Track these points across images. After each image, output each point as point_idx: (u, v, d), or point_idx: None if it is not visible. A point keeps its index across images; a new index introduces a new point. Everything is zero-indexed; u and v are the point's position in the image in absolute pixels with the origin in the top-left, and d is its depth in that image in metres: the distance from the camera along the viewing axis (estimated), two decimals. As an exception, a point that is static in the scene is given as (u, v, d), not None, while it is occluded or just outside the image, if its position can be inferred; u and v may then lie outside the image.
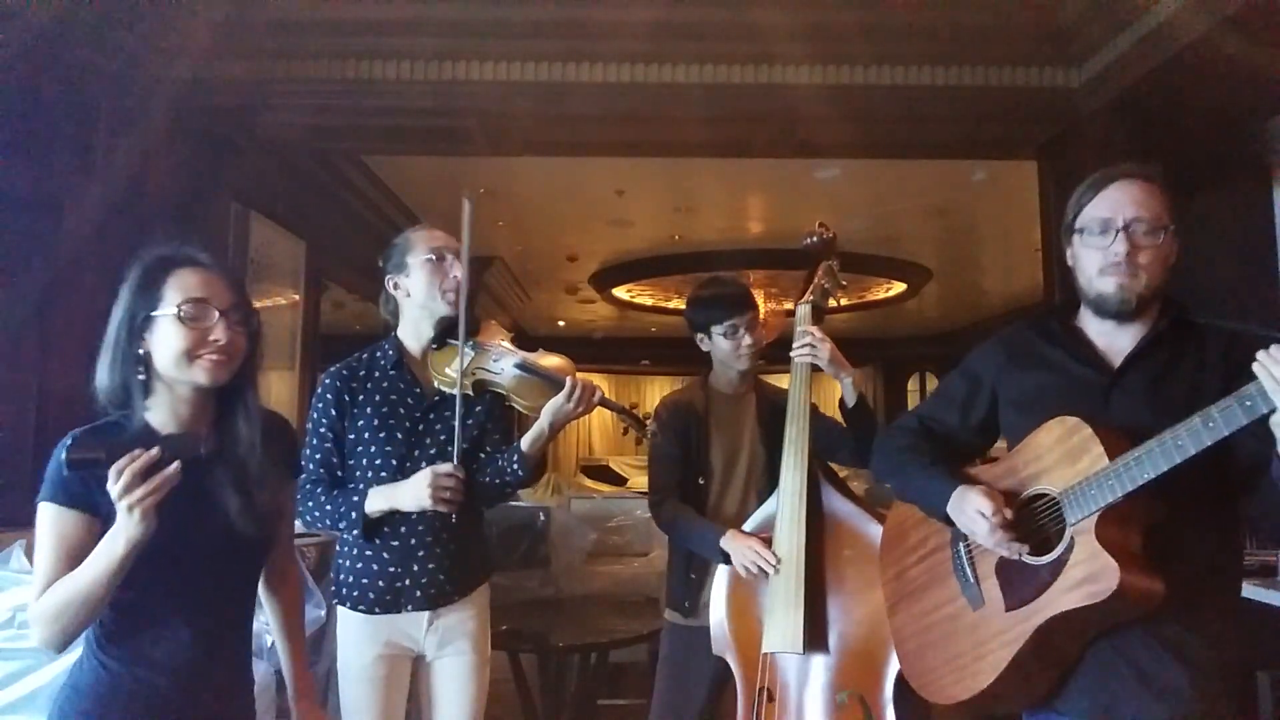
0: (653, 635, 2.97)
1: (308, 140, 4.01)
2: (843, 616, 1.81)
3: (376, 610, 1.85)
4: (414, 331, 1.98)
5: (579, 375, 1.87)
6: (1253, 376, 1.11)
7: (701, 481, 2.16)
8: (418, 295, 1.93)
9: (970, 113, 3.62)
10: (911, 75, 3.50)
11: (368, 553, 1.86)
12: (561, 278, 8.24)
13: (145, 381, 1.31)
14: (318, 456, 1.89)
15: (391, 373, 1.93)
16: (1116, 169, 1.42)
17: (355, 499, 1.82)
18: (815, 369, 2.03)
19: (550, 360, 1.91)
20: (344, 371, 1.93)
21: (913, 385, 12.16)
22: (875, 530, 1.80)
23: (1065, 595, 1.26)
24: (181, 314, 1.29)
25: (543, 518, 4.45)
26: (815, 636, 1.81)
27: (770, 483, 2.03)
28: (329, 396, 1.90)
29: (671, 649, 2.18)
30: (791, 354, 2.03)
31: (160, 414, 1.33)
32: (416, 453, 1.88)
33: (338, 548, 1.94)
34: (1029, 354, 1.49)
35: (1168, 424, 1.17)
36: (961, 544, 1.46)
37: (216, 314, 1.31)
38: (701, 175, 5.20)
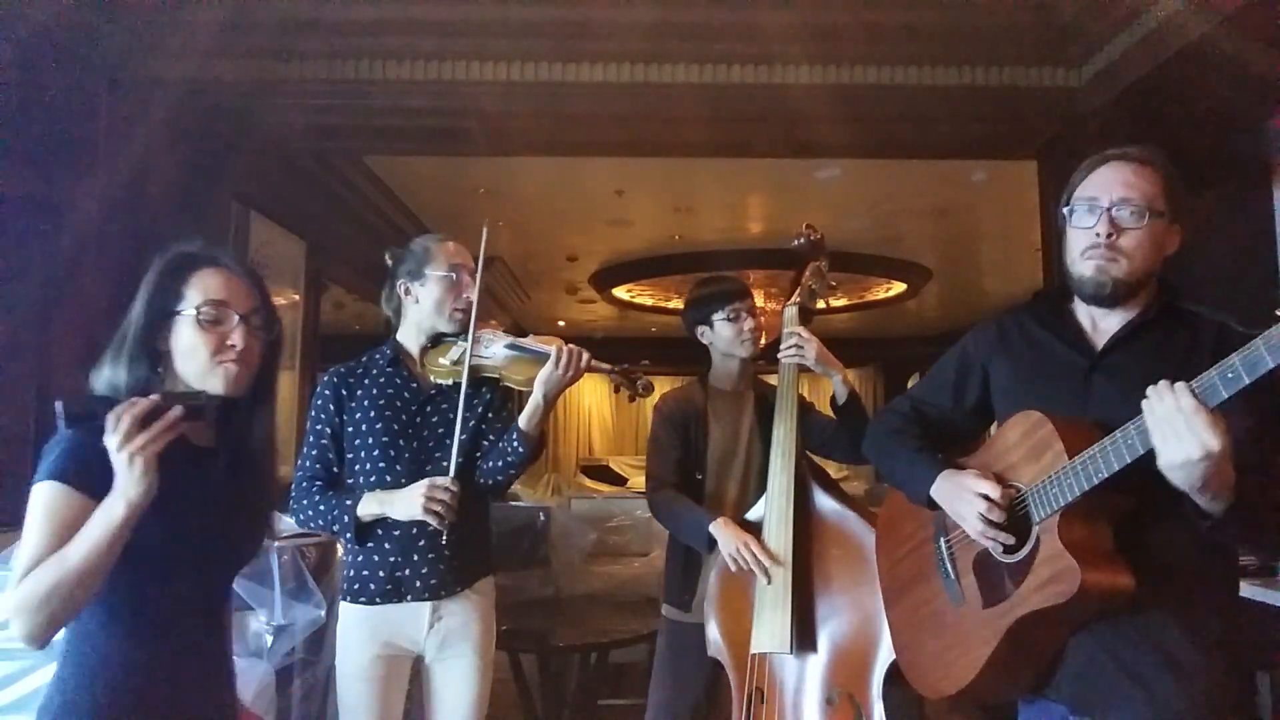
0: (653, 635, 2.97)
1: (308, 140, 4.01)
2: (832, 616, 1.82)
3: (378, 600, 1.86)
4: (414, 335, 2.00)
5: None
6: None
7: (699, 477, 2.17)
8: (427, 307, 1.96)
9: (970, 113, 3.62)
10: (911, 75, 3.49)
11: (369, 544, 1.87)
12: (561, 278, 8.24)
13: (161, 379, 1.28)
14: (314, 453, 1.90)
15: (388, 369, 1.96)
16: (1111, 150, 1.39)
17: (348, 503, 1.84)
18: (806, 370, 2.05)
19: (538, 339, 1.94)
20: (342, 369, 1.96)
21: (912, 385, 12.16)
22: (864, 530, 1.81)
23: (1033, 595, 1.25)
24: (200, 316, 1.25)
25: (543, 518, 4.44)
26: (805, 636, 1.81)
27: (767, 481, 2.04)
28: (327, 393, 1.93)
29: (669, 645, 2.19)
30: (779, 355, 2.04)
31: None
32: (415, 444, 1.90)
33: (342, 542, 1.95)
34: (1019, 336, 1.49)
35: None
36: (942, 539, 1.46)
37: (236, 318, 1.28)
38: (701, 175, 5.20)
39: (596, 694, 3.44)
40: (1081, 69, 3.47)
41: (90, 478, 1.16)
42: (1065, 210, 1.41)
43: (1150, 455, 1.14)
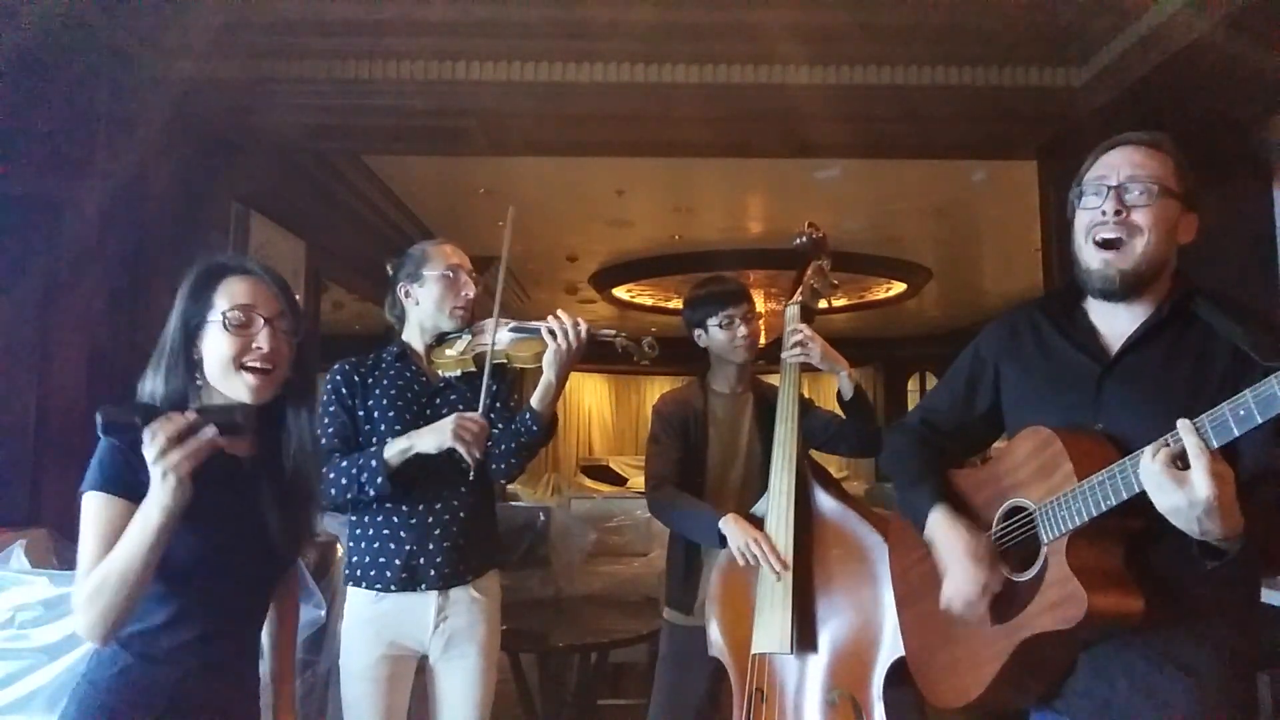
0: (653, 635, 2.98)
1: (308, 140, 4.00)
2: (833, 616, 1.81)
3: (393, 589, 1.87)
4: (418, 335, 2.04)
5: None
6: (1249, 384, 1.05)
7: (699, 479, 2.17)
8: (428, 307, 2.00)
9: (970, 113, 3.62)
10: (911, 75, 3.49)
11: (385, 532, 1.89)
12: (561, 278, 8.24)
13: (199, 388, 1.32)
14: (332, 429, 1.91)
15: (397, 364, 2.00)
16: (1120, 135, 1.36)
17: (373, 451, 1.84)
18: (809, 368, 2.05)
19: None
20: (353, 360, 1.99)
21: (913, 385, 12.15)
22: (865, 530, 1.80)
23: (1040, 616, 1.23)
24: (227, 320, 1.30)
25: (543, 518, 4.45)
26: (805, 637, 1.81)
27: (767, 481, 2.03)
28: (338, 379, 1.95)
29: (670, 648, 2.19)
30: (783, 355, 2.04)
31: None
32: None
33: (348, 531, 1.97)
34: (1030, 336, 1.45)
35: (1160, 423, 1.12)
36: None
37: (261, 321, 1.32)
38: (701, 175, 5.19)
39: (596, 694, 3.45)
40: (1082, 69, 3.47)
41: (126, 483, 1.23)
42: (1073, 196, 1.37)
43: None
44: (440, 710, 1.92)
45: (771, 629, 1.82)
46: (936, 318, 10.35)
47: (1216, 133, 3.11)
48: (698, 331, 2.24)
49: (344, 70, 3.48)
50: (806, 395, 2.25)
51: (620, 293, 8.57)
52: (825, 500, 1.90)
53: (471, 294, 2.00)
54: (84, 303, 2.87)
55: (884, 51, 3.44)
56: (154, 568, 1.18)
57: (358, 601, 1.90)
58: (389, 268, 2.07)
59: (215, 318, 1.31)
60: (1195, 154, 1.36)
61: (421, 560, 1.88)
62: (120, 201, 2.97)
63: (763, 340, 2.26)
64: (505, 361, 1.94)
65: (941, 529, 1.39)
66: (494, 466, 1.96)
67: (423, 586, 1.88)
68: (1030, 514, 1.29)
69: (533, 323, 1.93)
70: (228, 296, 1.32)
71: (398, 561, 1.87)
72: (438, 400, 1.97)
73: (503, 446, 1.95)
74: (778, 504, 1.90)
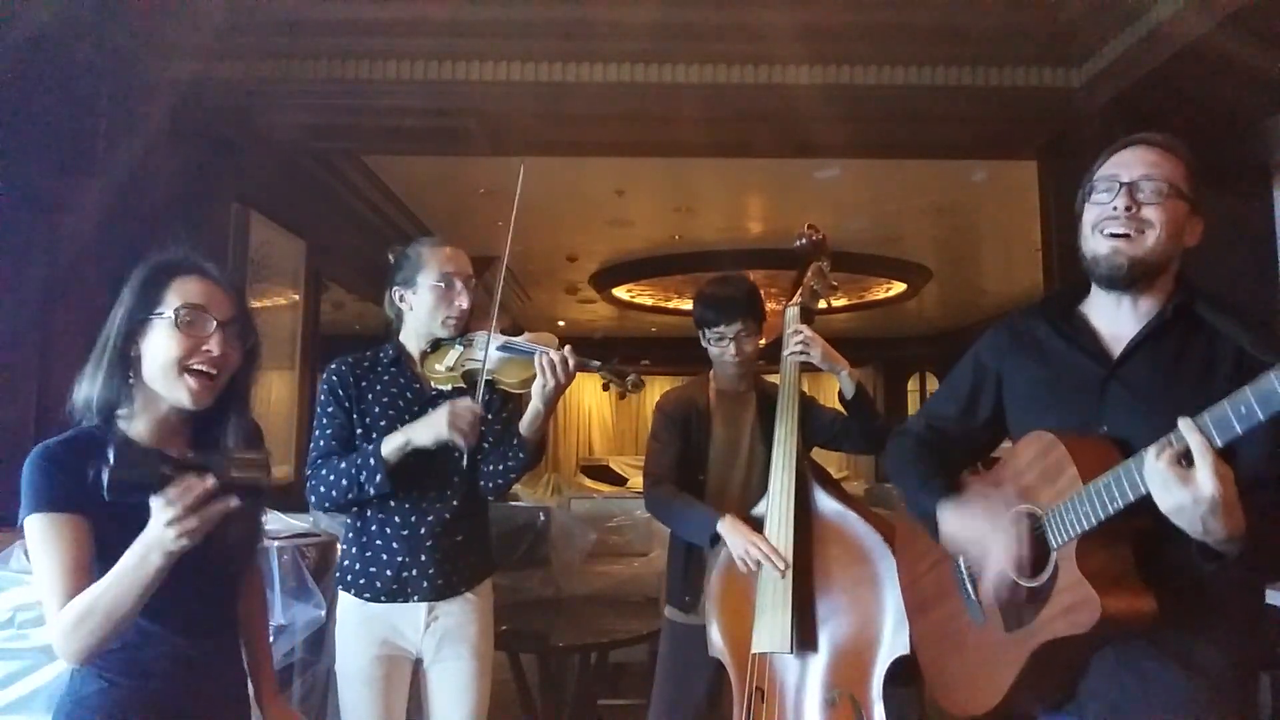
0: (653, 635, 2.97)
1: (308, 140, 4.00)
2: (832, 616, 1.81)
3: (382, 599, 1.85)
4: (413, 339, 2.00)
5: (575, 380, 1.85)
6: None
7: (700, 477, 2.17)
8: (420, 314, 1.95)
9: (970, 113, 3.62)
10: (911, 75, 3.49)
11: (378, 542, 1.87)
12: (561, 278, 8.24)
13: (130, 388, 1.28)
14: (329, 431, 1.89)
15: (392, 369, 1.96)
16: (1134, 135, 1.36)
17: (370, 450, 1.81)
18: (809, 367, 2.04)
19: (532, 337, 1.92)
20: (350, 359, 1.96)
21: (913, 385, 12.16)
22: (864, 530, 1.81)
23: (1054, 622, 1.23)
24: (178, 319, 1.26)
25: (543, 518, 4.44)
26: (805, 636, 1.81)
27: (768, 481, 2.03)
28: (335, 379, 1.92)
29: (671, 646, 2.19)
30: (785, 355, 2.04)
31: (140, 426, 1.30)
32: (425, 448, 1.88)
33: (343, 534, 1.95)
34: (1032, 340, 1.44)
35: (1165, 426, 1.12)
36: (961, 559, 1.44)
37: (213, 323, 1.28)
38: (701, 175, 5.19)
39: (596, 694, 3.44)
40: (1082, 69, 3.47)
41: (72, 497, 1.18)
42: (1083, 192, 1.36)
43: None
44: (434, 712, 1.90)
45: (771, 628, 1.82)
46: (936, 318, 10.36)
47: (1216, 133, 3.11)
48: (700, 333, 2.23)
49: (344, 70, 3.48)
50: (809, 394, 2.25)
51: (620, 293, 8.57)
52: (825, 500, 1.90)
53: (466, 305, 1.94)
54: (84, 303, 2.87)
55: (884, 51, 3.44)
56: (146, 599, 1.14)
57: (349, 604, 1.89)
58: (390, 256, 2.02)
59: (165, 315, 1.26)
60: (1195, 154, 1.36)
61: (414, 571, 1.85)
62: (120, 201, 2.97)
63: (763, 340, 2.26)
64: (493, 382, 1.90)
65: (954, 518, 1.38)
66: (482, 483, 1.93)
67: (415, 598, 1.86)
68: (1038, 519, 1.28)
69: (525, 343, 1.88)
70: (180, 295, 1.27)
71: (389, 572, 1.85)
72: (430, 409, 1.90)
73: (491, 466, 1.92)
74: (778, 504, 1.90)
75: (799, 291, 2.13)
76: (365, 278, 5.48)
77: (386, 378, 1.95)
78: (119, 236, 2.95)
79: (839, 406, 2.19)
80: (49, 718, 1.75)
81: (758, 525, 1.93)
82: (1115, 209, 1.29)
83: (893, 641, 1.70)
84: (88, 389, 1.27)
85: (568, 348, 1.84)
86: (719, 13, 3.28)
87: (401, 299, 1.98)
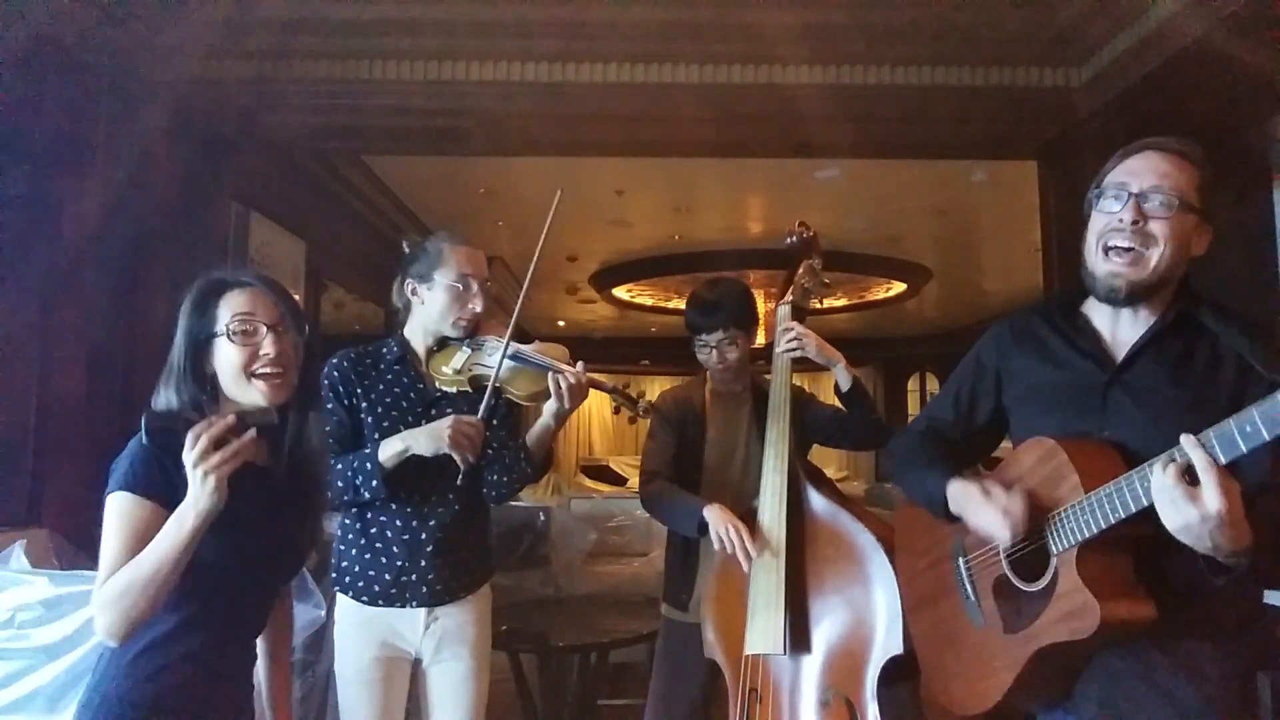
0: (653, 635, 2.97)
1: (308, 140, 4.01)
2: (826, 616, 1.81)
3: (380, 603, 1.84)
4: (420, 336, 1.97)
5: (567, 366, 1.84)
6: (1255, 396, 1.05)
7: (696, 477, 2.17)
8: (433, 312, 1.92)
9: (970, 113, 3.62)
10: (911, 75, 3.50)
11: (377, 544, 1.85)
12: (561, 278, 8.24)
13: (213, 402, 1.35)
14: (326, 429, 1.83)
15: (396, 367, 1.93)
16: (1149, 139, 1.32)
17: (367, 451, 1.79)
18: (807, 366, 2.04)
19: (543, 349, 1.91)
20: (352, 355, 1.92)
21: (913, 385, 12.16)
22: (858, 530, 1.80)
23: (1053, 627, 1.23)
24: (231, 332, 1.33)
25: (543, 518, 4.45)
26: (799, 637, 1.81)
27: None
28: (336, 375, 1.89)
29: (668, 644, 2.19)
30: (777, 351, 2.03)
31: None
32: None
33: (339, 534, 1.92)
34: (1033, 342, 1.43)
35: (1167, 433, 1.12)
36: (961, 560, 1.44)
37: (264, 328, 1.35)
38: (701, 175, 5.19)
39: (596, 694, 3.44)
40: (1082, 69, 3.47)
41: (157, 486, 1.26)
42: (1092, 195, 1.34)
43: None
44: (432, 712, 1.89)
45: (765, 629, 1.81)
46: (936, 318, 10.35)
47: (1216, 133, 3.11)
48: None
49: (344, 70, 3.48)
50: (809, 391, 2.25)
51: (620, 293, 8.57)
52: (818, 500, 1.90)
53: (479, 308, 1.91)
54: (84, 303, 2.87)
55: (884, 51, 3.44)
56: (182, 570, 1.20)
57: (347, 605, 1.87)
58: (406, 246, 1.98)
59: (220, 330, 1.34)
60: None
61: (413, 577, 1.84)
62: (120, 201, 2.97)
63: (761, 339, 2.25)
64: (500, 390, 1.87)
65: (970, 488, 1.35)
66: (485, 490, 1.92)
67: (413, 604, 1.84)
68: (1038, 525, 1.28)
69: (539, 357, 1.85)
70: (229, 309, 1.35)
71: (387, 576, 1.84)
72: (434, 411, 1.90)
73: (495, 475, 1.90)
74: (770, 503, 1.90)
75: (790, 290, 2.13)
76: (365, 278, 5.48)
77: (390, 377, 1.92)
78: (119, 236, 2.96)
79: (837, 403, 2.19)
80: (49, 718, 1.77)
81: (752, 522, 1.93)
82: (1121, 221, 1.27)
83: (886, 642, 1.69)
84: (165, 400, 1.34)
85: (580, 364, 1.83)
86: (719, 13, 3.28)
87: (414, 292, 1.94)
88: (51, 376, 2.81)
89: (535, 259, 1.90)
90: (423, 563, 1.84)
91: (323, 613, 2.41)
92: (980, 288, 8.59)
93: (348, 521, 1.91)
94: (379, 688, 1.84)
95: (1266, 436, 1.00)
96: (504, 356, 1.84)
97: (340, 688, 1.87)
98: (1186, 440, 1.07)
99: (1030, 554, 1.30)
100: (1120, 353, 1.33)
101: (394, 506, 1.85)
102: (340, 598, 1.90)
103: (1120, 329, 1.35)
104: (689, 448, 2.18)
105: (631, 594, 4.06)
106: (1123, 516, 1.15)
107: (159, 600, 1.20)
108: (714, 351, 2.14)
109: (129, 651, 1.27)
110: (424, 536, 1.85)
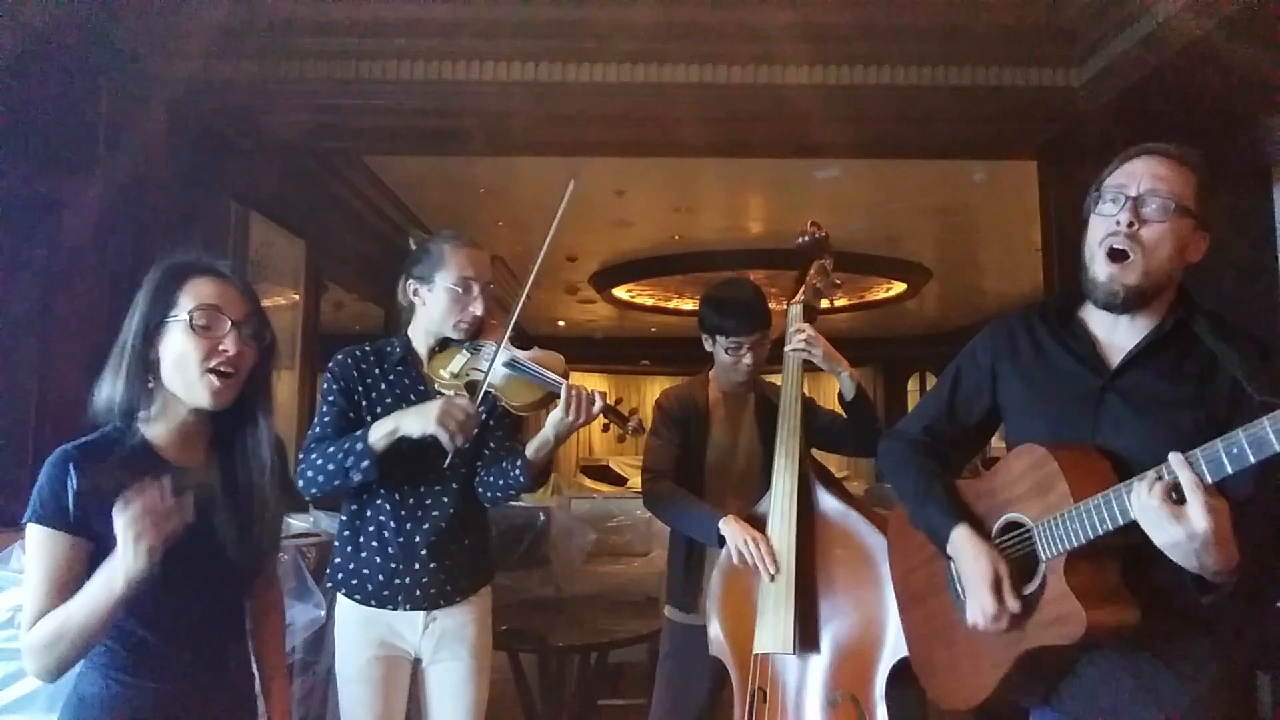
0: (653, 635, 2.97)
1: (308, 140, 4.00)
2: (835, 616, 1.81)
3: (372, 604, 1.84)
4: (422, 337, 1.97)
5: (575, 381, 1.80)
6: (1247, 413, 1.05)
7: (697, 476, 2.16)
8: (433, 313, 1.91)
9: (970, 113, 3.61)
10: (911, 75, 3.49)
11: (373, 544, 1.85)
12: (561, 278, 8.24)
13: (151, 391, 1.28)
14: (328, 418, 1.84)
15: (399, 368, 1.92)
16: (1150, 144, 1.33)
17: (357, 435, 1.76)
18: (809, 368, 2.04)
19: (541, 358, 1.87)
20: (357, 353, 1.91)
21: (913, 385, 12.16)
22: (867, 530, 1.80)
23: (1040, 631, 1.25)
24: (193, 321, 1.26)
25: (543, 518, 4.45)
26: (807, 637, 1.81)
27: (767, 481, 2.02)
28: (339, 369, 1.88)
29: (672, 646, 2.18)
30: (786, 349, 2.03)
31: (160, 429, 1.30)
32: (420, 446, 1.86)
33: (338, 532, 1.91)
34: (1030, 342, 1.44)
35: (1158, 444, 1.12)
36: (951, 561, 1.44)
37: (228, 324, 1.28)
38: (701, 175, 5.20)
39: (596, 694, 3.44)
40: (1082, 69, 3.47)
41: (83, 517, 1.19)
42: (1091, 198, 1.35)
43: None
44: (432, 712, 1.89)
45: (774, 629, 1.81)
46: (936, 318, 10.36)
47: (1216, 133, 3.11)
48: (706, 337, 2.22)
49: (344, 70, 3.47)
50: (808, 395, 2.25)
51: (620, 293, 8.58)
52: (827, 500, 1.90)
53: (480, 311, 1.89)
54: (84, 302, 2.87)
55: (884, 51, 3.44)
56: (114, 620, 1.16)
57: (347, 605, 1.87)
58: (412, 242, 1.97)
59: (180, 317, 1.26)
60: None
61: (406, 580, 1.83)
62: (120, 201, 2.97)
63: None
64: (497, 397, 1.85)
65: (967, 552, 1.35)
66: (480, 491, 1.90)
67: (405, 606, 1.83)
68: (1027, 530, 1.29)
69: (538, 369, 1.82)
70: (194, 296, 1.28)
71: (380, 577, 1.83)
72: None
73: (489, 478, 1.89)
74: (780, 504, 1.90)
75: (802, 289, 2.12)
76: (365, 278, 5.48)
77: (392, 376, 1.91)
78: (119, 237, 2.96)
79: (838, 408, 2.19)
80: (49, 718, 1.76)
81: (760, 523, 1.92)
82: (1118, 223, 1.28)
83: (896, 642, 1.68)
84: (109, 392, 1.27)
85: (595, 392, 1.79)
86: (718, 13, 3.28)
87: (415, 293, 1.93)
88: (51, 376, 2.81)
89: (545, 247, 1.87)
90: (416, 566, 1.83)
91: (323, 613, 2.41)
92: (980, 288, 8.59)
93: (344, 520, 1.91)
94: (379, 687, 1.83)
95: (1252, 459, 1.01)
96: (493, 363, 1.81)
97: (340, 687, 1.87)
98: (1175, 458, 1.07)
99: (1019, 558, 1.31)
100: (1115, 359, 1.34)
101: (389, 508, 1.84)
102: (340, 597, 1.89)
103: (1116, 336, 1.36)
104: (692, 447, 2.17)
105: (631, 594, 4.06)
106: (1110, 529, 1.16)
107: (91, 645, 1.17)
108: (749, 353, 2.13)
109: (104, 653, 1.24)
110: (418, 540, 1.84)
